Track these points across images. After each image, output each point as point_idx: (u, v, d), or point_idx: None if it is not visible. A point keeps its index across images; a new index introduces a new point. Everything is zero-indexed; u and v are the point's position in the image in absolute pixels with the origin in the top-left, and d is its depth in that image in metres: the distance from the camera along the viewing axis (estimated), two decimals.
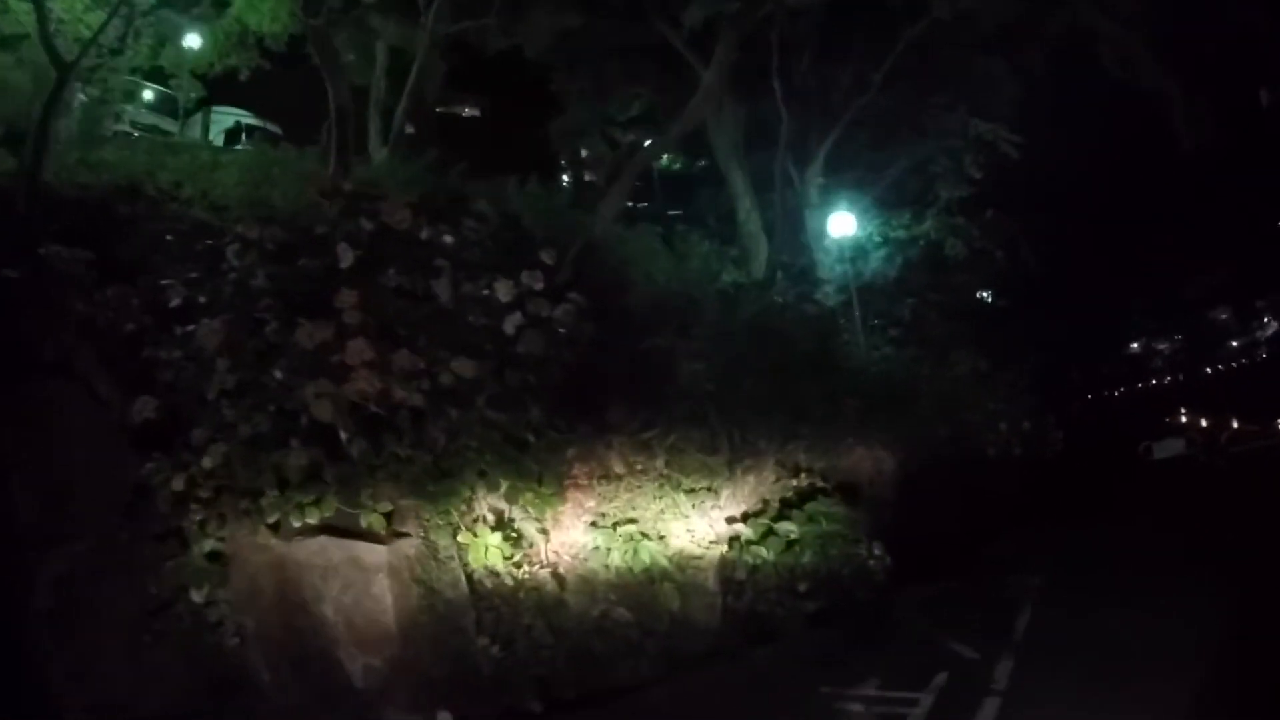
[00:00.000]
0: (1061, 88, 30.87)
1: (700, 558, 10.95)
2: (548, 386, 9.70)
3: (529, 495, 9.60)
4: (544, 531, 10.01)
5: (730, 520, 11.83)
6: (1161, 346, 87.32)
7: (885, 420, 16.76)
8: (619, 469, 10.77)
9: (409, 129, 18.21)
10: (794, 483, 13.22)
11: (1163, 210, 44.48)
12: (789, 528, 12.12)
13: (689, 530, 11.18)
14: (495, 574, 9.34)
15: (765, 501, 12.65)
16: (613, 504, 10.52)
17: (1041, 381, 30.27)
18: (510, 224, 12.00)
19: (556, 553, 10.19)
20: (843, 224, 23.31)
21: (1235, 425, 35.20)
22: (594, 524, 10.36)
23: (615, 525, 10.39)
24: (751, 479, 12.35)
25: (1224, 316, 76.80)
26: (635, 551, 10.13)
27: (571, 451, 10.20)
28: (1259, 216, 46.65)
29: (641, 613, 10.37)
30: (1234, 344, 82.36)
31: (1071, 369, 65.68)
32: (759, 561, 11.53)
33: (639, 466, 10.81)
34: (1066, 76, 29.25)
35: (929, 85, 24.16)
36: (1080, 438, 40.20)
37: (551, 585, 9.89)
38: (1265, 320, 78.97)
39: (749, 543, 11.62)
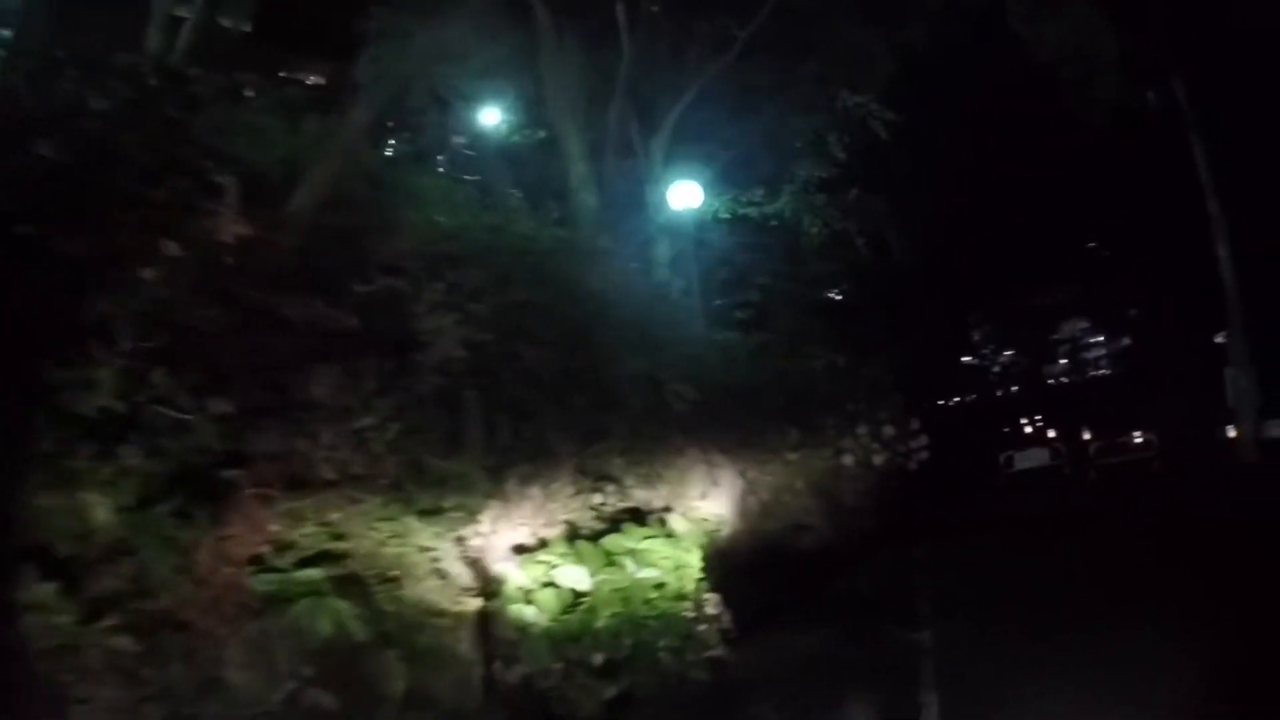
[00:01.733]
0: (946, 71, 29.39)
1: (443, 614, 7.47)
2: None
3: None
4: (185, 570, 6.32)
5: (517, 551, 8.54)
6: (1002, 355, 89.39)
7: (724, 417, 13.84)
8: (327, 474, 7.26)
9: None
10: (599, 500, 9.92)
11: (1025, 215, 44.02)
12: (575, 575, 8.74)
13: (436, 570, 7.72)
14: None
15: (568, 525, 9.47)
16: (306, 529, 6.95)
17: (904, 383, 28.78)
18: None
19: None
20: (686, 195, 20.66)
21: (1087, 436, 35.68)
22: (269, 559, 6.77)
23: (304, 562, 6.79)
24: (536, 493, 8.95)
25: (1067, 329, 78.03)
26: (318, 608, 6.50)
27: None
28: (1111, 233, 46.35)
29: (353, 693, 7.00)
30: (1083, 356, 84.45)
31: (926, 372, 66.14)
32: (529, 625, 8.04)
33: (356, 470, 7.31)
34: (953, 59, 27.48)
35: (798, 54, 22.37)
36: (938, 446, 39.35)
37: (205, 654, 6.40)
38: (1105, 336, 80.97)
39: (522, 592, 8.17)
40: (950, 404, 73.29)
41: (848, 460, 17.40)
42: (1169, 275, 36.43)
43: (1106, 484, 25.16)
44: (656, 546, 9.91)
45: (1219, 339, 26.65)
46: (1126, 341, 70.78)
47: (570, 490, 9.63)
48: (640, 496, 10.91)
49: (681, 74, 21.38)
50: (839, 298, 33.27)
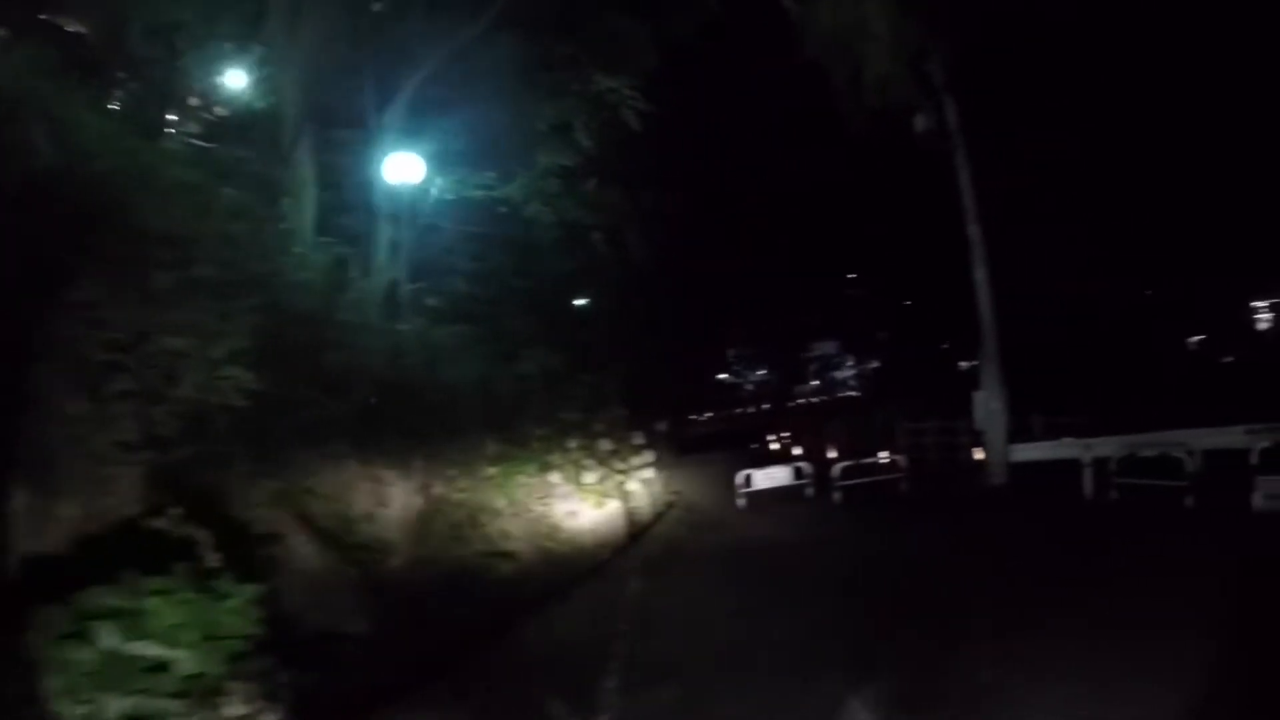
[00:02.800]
0: (711, 73, 28.58)
1: None
2: None
3: None
4: None
5: None
6: (755, 374, 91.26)
7: (406, 423, 11.88)
8: None
9: None
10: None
11: (784, 230, 44.14)
12: None
13: None
14: None
15: None
16: None
17: (641, 394, 27.57)
18: None
19: None
20: (404, 169, 18.51)
21: (833, 455, 34.55)
22: None
23: None
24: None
25: (817, 349, 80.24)
26: None
27: None
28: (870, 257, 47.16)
29: None
30: (831, 377, 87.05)
31: (672, 386, 65.91)
32: None
33: None
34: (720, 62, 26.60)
35: (555, 33, 21.39)
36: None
37: None
38: (853, 359, 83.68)
39: None
40: (702, 419, 73.83)
41: (554, 477, 15.54)
42: (924, 299, 37.09)
43: (852, 506, 24.39)
44: (162, 607, 6.62)
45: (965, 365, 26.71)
46: (875, 364, 73.50)
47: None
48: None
49: (428, 42, 19.67)
50: (583, 301, 32.00)
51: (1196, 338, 52.58)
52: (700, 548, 19.33)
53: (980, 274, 25.76)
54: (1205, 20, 32.08)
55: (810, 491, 26.22)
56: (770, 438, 47.87)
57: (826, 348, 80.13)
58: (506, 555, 14.34)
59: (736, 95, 32.66)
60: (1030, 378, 28.51)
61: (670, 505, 25.41)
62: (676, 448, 50.71)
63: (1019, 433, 26.73)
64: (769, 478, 26.65)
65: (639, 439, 20.14)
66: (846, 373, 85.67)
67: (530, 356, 17.98)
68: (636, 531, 19.58)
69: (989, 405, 25.34)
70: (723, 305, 53.64)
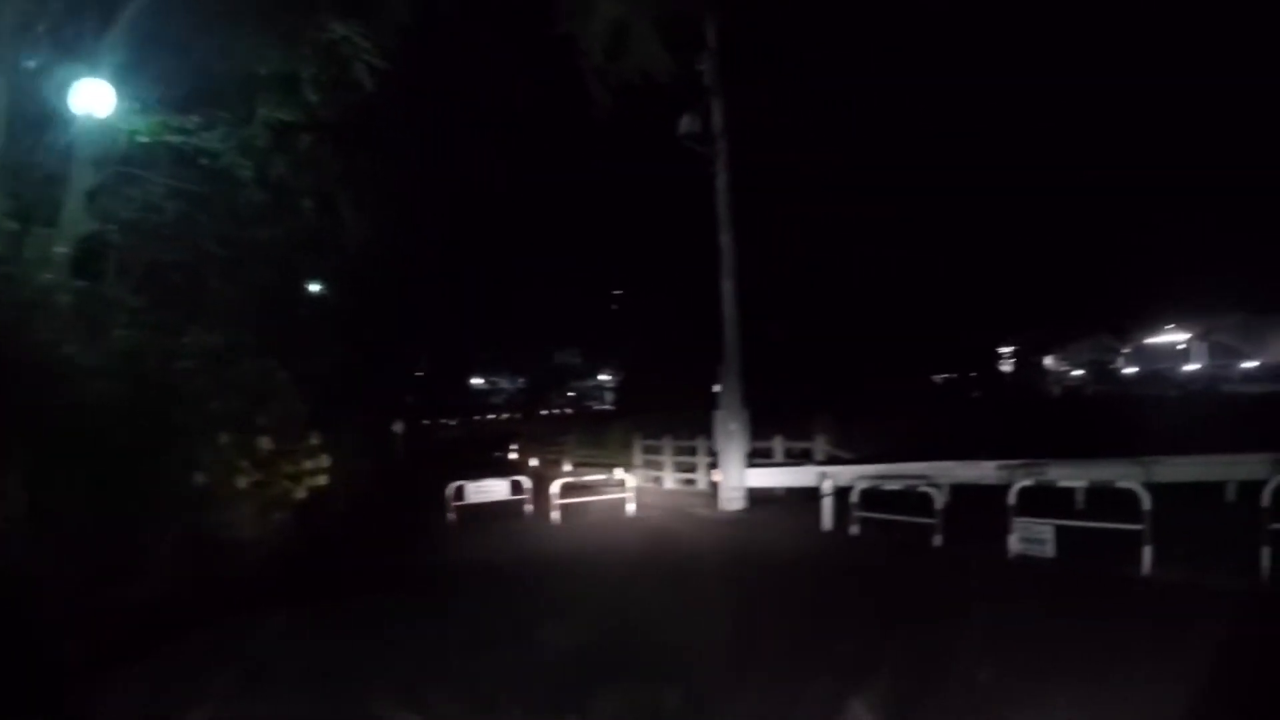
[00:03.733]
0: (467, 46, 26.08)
1: None
2: None
3: None
4: None
5: None
6: (506, 384, 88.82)
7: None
8: None
9: None
10: None
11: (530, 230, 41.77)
12: None
13: None
14: None
15: None
16: None
17: (352, 392, 24.69)
18: None
19: None
20: (90, 97, 15.13)
21: (568, 468, 33.91)
22: None
23: None
24: None
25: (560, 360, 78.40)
26: None
27: None
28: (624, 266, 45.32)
29: None
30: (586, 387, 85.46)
31: (410, 386, 62.80)
32: None
33: None
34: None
35: None
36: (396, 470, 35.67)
37: None
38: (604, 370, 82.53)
39: None
40: (453, 424, 70.97)
41: (200, 478, 12.45)
42: (674, 310, 35.54)
43: (572, 527, 22.16)
44: None
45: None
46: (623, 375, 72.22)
47: None
48: None
49: None
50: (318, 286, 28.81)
51: (944, 375, 53.91)
52: (397, 568, 16.65)
53: (728, 285, 24.11)
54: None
55: (529, 508, 23.86)
56: (513, 447, 46.05)
57: (569, 357, 77.94)
58: (135, 573, 11.29)
59: (495, 77, 30.02)
60: (777, 399, 27.39)
61: (368, 518, 22.63)
62: (408, 453, 48.08)
63: (762, 456, 25.41)
64: (483, 491, 24.15)
65: (316, 439, 17.08)
66: (601, 384, 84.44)
67: (196, 334, 14.77)
68: (301, 549, 16.63)
69: (727, 426, 23.64)
70: (473, 305, 51.02)
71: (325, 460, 20.26)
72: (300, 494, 16.98)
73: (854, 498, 18.22)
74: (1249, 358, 78.58)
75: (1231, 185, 53.26)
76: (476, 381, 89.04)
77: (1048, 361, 72.64)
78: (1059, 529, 13.72)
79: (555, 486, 23.40)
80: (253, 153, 19.57)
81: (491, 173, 34.91)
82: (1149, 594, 12.00)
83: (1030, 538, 13.83)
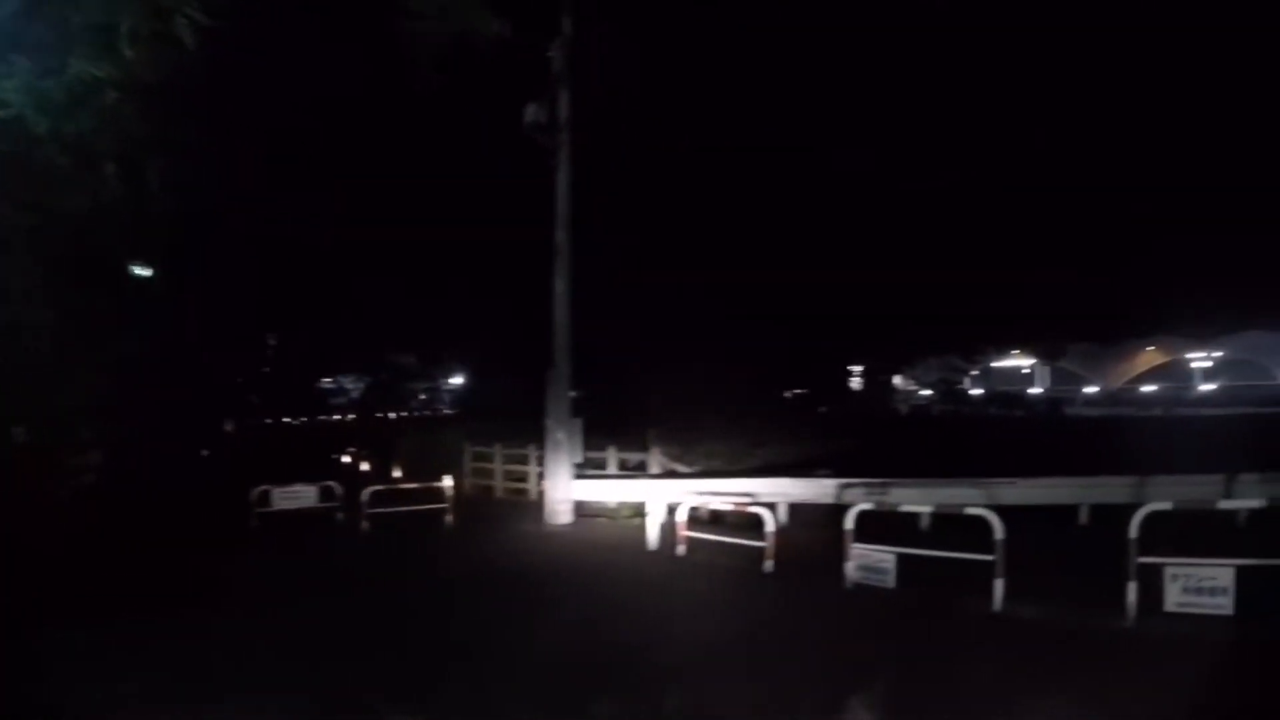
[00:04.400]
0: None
1: None
2: None
3: None
4: None
5: None
6: (350, 385, 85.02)
7: None
8: None
9: None
10: None
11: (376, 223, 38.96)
12: None
13: None
14: None
15: None
16: None
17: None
18: None
19: None
20: None
21: (398, 474, 31.68)
22: None
23: None
24: None
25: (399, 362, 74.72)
26: None
27: None
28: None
29: None
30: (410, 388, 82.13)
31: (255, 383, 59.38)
32: None
33: None
34: None
35: None
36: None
37: None
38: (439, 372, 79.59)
39: None
40: (295, 424, 67.71)
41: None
42: (514, 312, 33.26)
43: (380, 538, 20.12)
44: None
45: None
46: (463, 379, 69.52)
47: None
48: None
49: None
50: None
51: (796, 390, 53.20)
52: (162, 582, 14.17)
53: (561, 285, 22.13)
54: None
55: (341, 516, 21.50)
56: (350, 449, 43.35)
57: (406, 358, 74.38)
58: None
59: (328, 53, 27.54)
60: (620, 407, 25.74)
61: (153, 524, 19.93)
62: (237, 453, 45.06)
63: (597, 467, 23.60)
64: (291, 496, 21.71)
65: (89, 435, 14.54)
66: (448, 388, 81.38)
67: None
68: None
69: (554, 435, 21.68)
70: (315, 300, 47.77)
71: (96, 457, 17.57)
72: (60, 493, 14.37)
73: (680, 515, 16.40)
74: (1090, 383, 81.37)
75: (1079, 220, 54.04)
76: (325, 381, 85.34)
77: (897, 380, 73.01)
78: (902, 557, 12.08)
79: (365, 494, 21.13)
80: (49, 107, 16.94)
81: (321, 158, 32.32)
82: (999, 632, 10.38)
83: (869, 566, 12.15)
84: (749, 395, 32.10)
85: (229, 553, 17.85)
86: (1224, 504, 10.41)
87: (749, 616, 11.64)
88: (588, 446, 23.52)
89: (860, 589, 12.28)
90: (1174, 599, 9.71)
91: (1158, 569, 9.89)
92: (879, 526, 13.21)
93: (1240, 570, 9.45)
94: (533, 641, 10.58)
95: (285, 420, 70.42)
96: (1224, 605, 9.51)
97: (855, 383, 61.08)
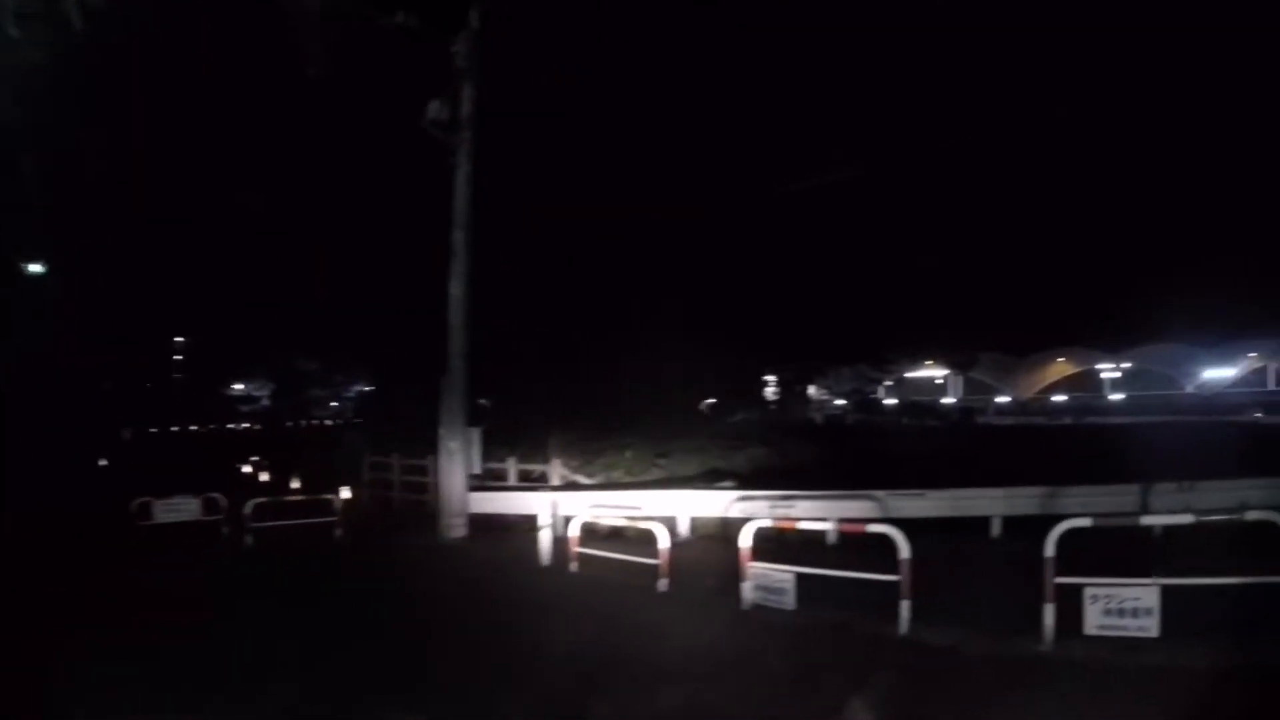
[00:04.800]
0: None
1: None
2: None
3: None
4: None
5: None
6: (259, 391, 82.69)
7: None
8: None
9: None
10: None
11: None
12: None
13: None
14: None
15: None
16: None
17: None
18: None
19: None
20: None
21: (296, 484, 29.81)
22: None
23: None
24: None
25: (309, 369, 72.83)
26: None
27: None
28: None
29: None
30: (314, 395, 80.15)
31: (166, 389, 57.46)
32: None
33: None
34: None
35: None
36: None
37: None
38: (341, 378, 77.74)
39: None
40: (197, 430, 65.71)
41: None
42: (415, 317, 31.85)
43: (265, 553, 18.78)
44: None
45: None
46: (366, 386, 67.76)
47: None
48: None
49: None
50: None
51: (710, 400, 52.57)
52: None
53: (457, 288, 20.90)
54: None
55: (226, 530, 20.04)
56: (253, 459, 41.53)
57: (309, 364, 72.31)
58: None
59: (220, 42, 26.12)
60: (517, 416, 24.61)
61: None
62: (133, 463, 43.01)
63: (497, 478, 22.65)
64: (173, 509, 20.27)
65: None
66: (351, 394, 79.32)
67: None
68: None
69: (448, 444, 20.45)
70: (224, 301, 46.00)
71: None
72: None
73: (574, 530, 15.25)
74: (1002, 393, 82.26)
75: (991, 233, 54.54)
76: (237, 387, 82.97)
77: (811, 390, 72.69)
78: (804, 577, 11.05)
79: (249, 507, 19.73)
80: None
81: (219, 155, 30.88)
82: (904, 658, 9.37)
83: (767, 586, 11.11)
84: (657, 404, 31.10)
85: (95, 571, 16.43)
86: (1147, 520, 9.46)
87: (633, 641, 10.52)
88: (490, 457, 22.48)
89: (759, 610, 11.24)
90: (1094, 621, 8.80)
91: (1077, 589, 9.00)
92: (782, 543, 12.25)
93: (1166, 590, 8.60)
94: (369, 665, 9.54)
95: (192, 427, 68.43)
96: (1148, 627, 8.63)
97: (770, 392, 60.65)
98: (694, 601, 12.13)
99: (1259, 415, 52.21)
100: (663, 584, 12.86)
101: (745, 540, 11.49)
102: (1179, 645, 8.64)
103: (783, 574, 10.92)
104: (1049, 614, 9.01)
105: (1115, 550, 10.14)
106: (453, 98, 21.23)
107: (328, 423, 73.69)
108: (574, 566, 14.91)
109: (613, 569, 14.15)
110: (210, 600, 13.70)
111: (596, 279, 31.57)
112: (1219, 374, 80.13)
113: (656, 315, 33.80)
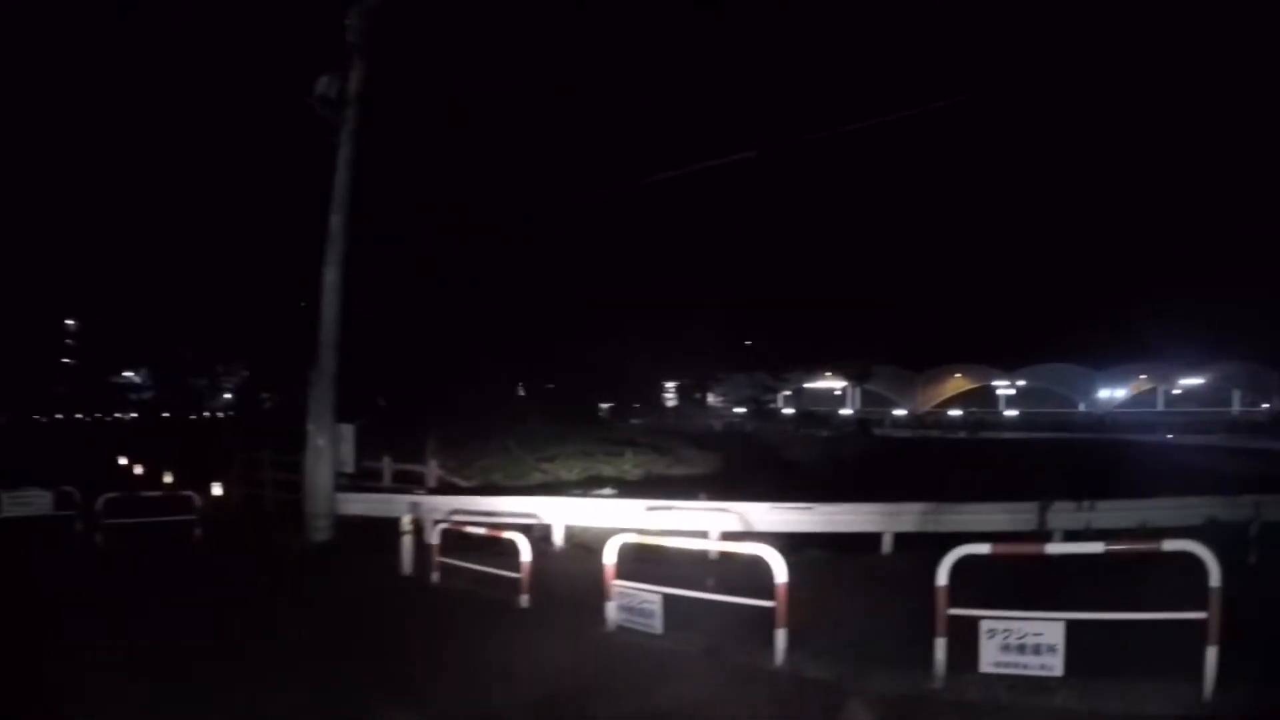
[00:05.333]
0: None
1: None
2: None
3: None
4: None
5: None
6: (144, 380, 79.19)
7: None
8: None
9: None
10: None
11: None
12: None
13: None
14: None
15: None
16: None
17: None
18: None
19: None
20: None
21: (169, 479, 27.51)
22: None
23: None
24: None
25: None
26: None
27: None
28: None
29: None
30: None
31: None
32: None
33: None
34: None
35: None
36: None
37: None
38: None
39: None
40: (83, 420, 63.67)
41: None
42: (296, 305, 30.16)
43: (116, 553, 17.12)
44: None
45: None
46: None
47: None
48: None
49: None
50: None
51: (608, 404, 51.92)
52: None
53: (332, 274, 19.38)
54: None
55: (80, 526, 18.37)
56: (131, 450, 39.29)
57: (184, 352, 69.22)
58: None
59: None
60: (400, 414, 23.24)
61: None
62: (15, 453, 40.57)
63: (374, 477, 21.66)
64: (21, 503, 18.91)
65: None
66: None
67: None
68: None
69: (315, 440, 18.95)
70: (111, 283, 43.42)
71: None
72: None
73: (434, 537, 13.87)
74: (899, 405, 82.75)
75: (894, 252, 54.88)
76: (127, 375, 79.32)
77: (710, 398, 72.23)
78: (673, 599, 9.80)
79: (100, 502, 18.03)
80: None
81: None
82: (779, 694, 8.25)
83: (633, 607, 9.87)
84: (548, 405, 29.91)
85: None
86: (1053, 549, 8.38)
87: (481, 664, 9.26)
88: (368, 455, 21.07)
89: (623, 633, 10.01)
90: (991, 657, 7.72)
91: (973, 621, 7.93)
92: (655, 558, 11.08)
93: (1072, 625, 7.57)
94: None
95: (77, 416, 65.67)
96: (1052, 666, 7.57)
97: (669, 399, 60.31)
98: (554, 621, 10.82)
99: (1170, 436, 53.00)
100: (524, 600, 11.60)
101: (610, 555, 10.23)
102: (1085, 686, 7.64)
103: (649, 594, 9.65)
104: (940, 648, 7.90)
105: (1015, 576, 9.18)
106: (342, 74, 19.85)
107: (219, 415, 70.90)
108: (436, 577, 13.57)
109: (477, 581, 12.85)
110: (30, 606, 12.20)
111: (491, 275, 30.14)
112: (1110, 394, 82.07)
113: (553, 315, 32.59)
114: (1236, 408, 76.81)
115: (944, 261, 68.76)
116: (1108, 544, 8.01)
